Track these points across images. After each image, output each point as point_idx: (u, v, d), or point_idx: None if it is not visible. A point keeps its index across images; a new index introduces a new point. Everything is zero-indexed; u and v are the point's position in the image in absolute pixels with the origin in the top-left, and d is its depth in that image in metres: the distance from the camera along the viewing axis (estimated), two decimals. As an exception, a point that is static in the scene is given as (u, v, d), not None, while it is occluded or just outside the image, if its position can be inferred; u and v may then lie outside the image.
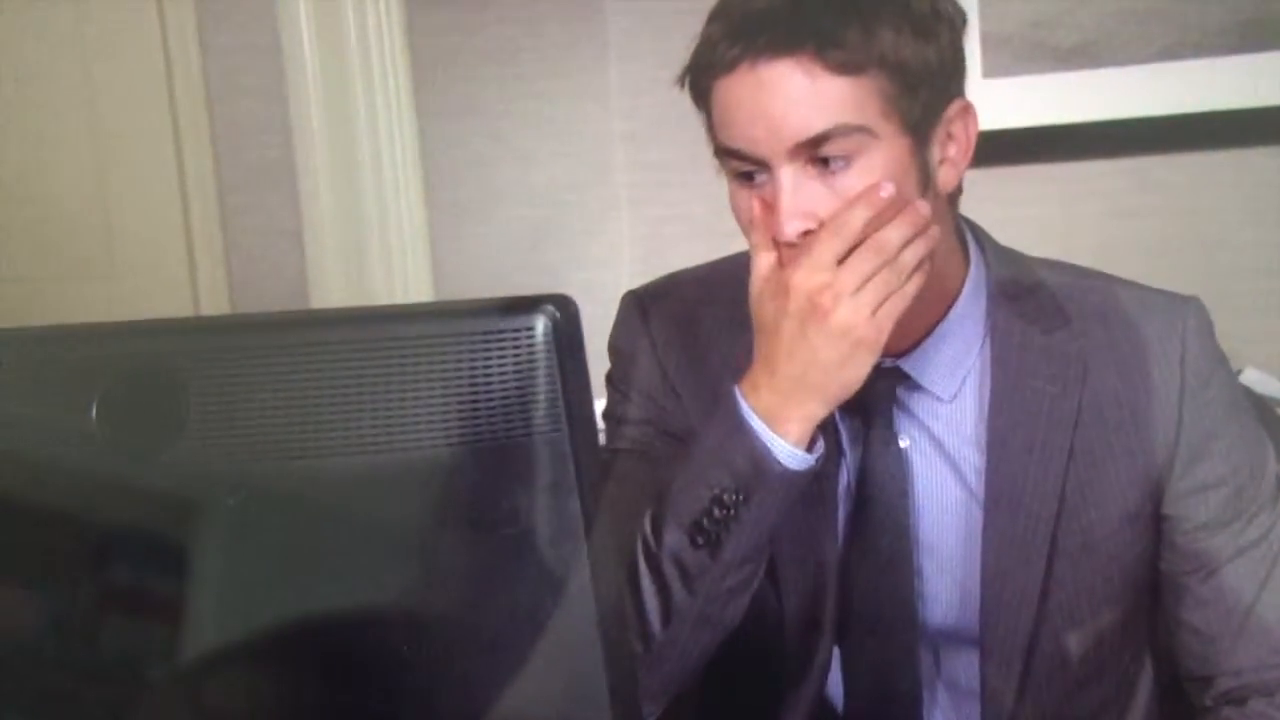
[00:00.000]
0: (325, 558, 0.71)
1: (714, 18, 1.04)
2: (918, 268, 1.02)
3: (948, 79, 1.05)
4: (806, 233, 1.01)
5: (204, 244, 2.59)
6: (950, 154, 1.07)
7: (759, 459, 1.01)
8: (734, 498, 1.01)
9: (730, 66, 1.02)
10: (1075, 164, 2.05)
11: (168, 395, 0.70)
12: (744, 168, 1.04)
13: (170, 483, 0.71)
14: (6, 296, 2.55)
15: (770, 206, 1.03)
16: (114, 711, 0.74)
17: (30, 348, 0.75)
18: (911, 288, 1.02)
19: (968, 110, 1.08)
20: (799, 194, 1.01)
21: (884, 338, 1.00)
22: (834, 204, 1.01)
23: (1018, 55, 1.96)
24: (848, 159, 1.01)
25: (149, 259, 2.62)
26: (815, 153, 1.01)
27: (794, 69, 1.00)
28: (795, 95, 1.00)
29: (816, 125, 1.00)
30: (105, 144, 2.60)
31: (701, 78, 1.05)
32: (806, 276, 1.00)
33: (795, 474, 1.02)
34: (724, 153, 1.05)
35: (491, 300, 0.68)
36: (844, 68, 0.99)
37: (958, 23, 1.06)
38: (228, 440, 0.70)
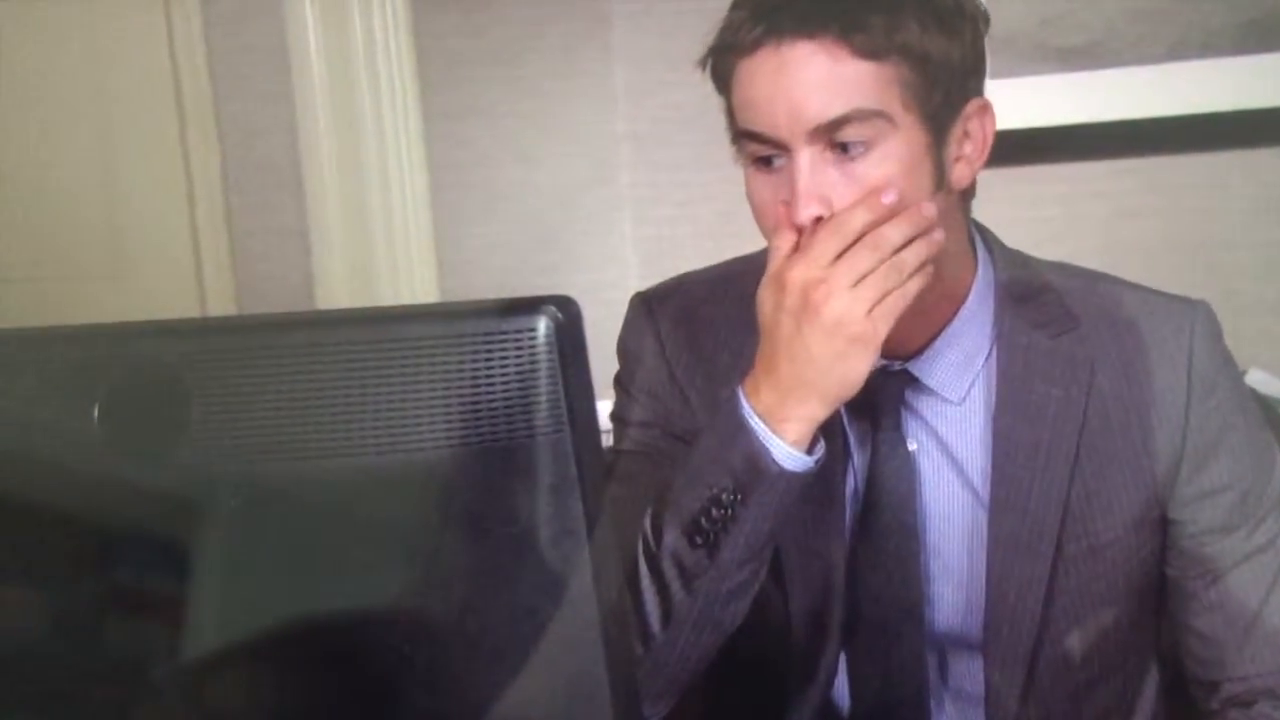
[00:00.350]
0: (328, 558, 0.71)
1: (738, 4, 1.04)
2: (919, 268, 1.01)
3: (968, 76, 1.05)
4: (819, 219, 1.01)
5: (210, 245, 2.59)
6: (966, 152, 1.07)
7: (756, 459, 1.01)
8: (731, 498, 1.01)
9: (753, 47, 1.02)
10: (1080, 164, 2.05)
11: (170, 396, 0.70)
12: (763, 151, 1.04)
13: (173, 484, 0.71)
14: (12, 296, 2.56)
15: (788, 201, 1.03)
16: (117, 712, 0.74)
17: (34, 348, 0.75)
18: (913, 287, 1.01)
19: (986, 109, 1.08)
20: (816, 177, 1.01)
21: (881, 335, 1.00)
22: (849, 192, 1.01)
23: (1023, 55, 1.97)
24: (866, 145, 1.01)
25: (155, 259, 2.62)
26: (834, 137, 1.01)
27: (817, 51, 1.00)
28: (817, 77, 1.00)
29: (837, 108, 1.00)
30: (112, 144, 2.60)
31: (723, 59, 1.05)
32: (802, 272, 0.99)
33: (793, 475, 1.01)
34: (743, 136, 1.05)
35: (493, 301, 0.68)
36: (867, 52, 0.99)
37: (980, 22, 1.07)
38: (230, 441, 0.71)
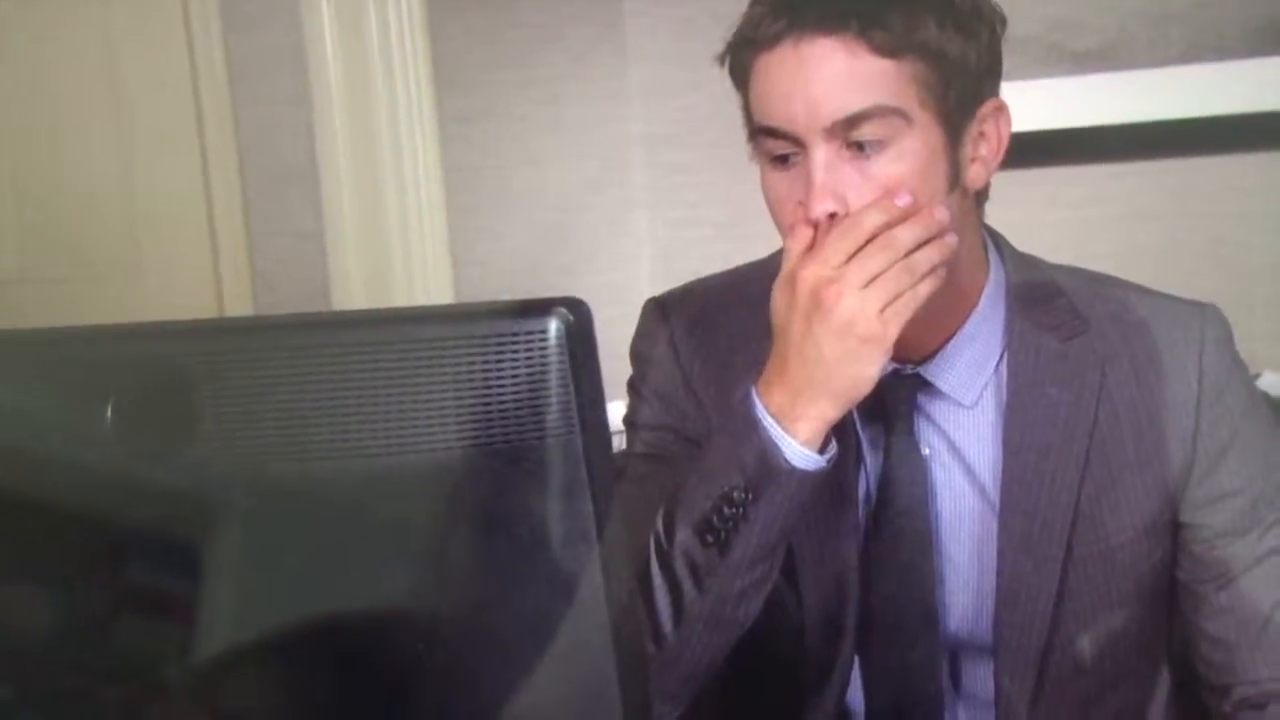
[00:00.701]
0: (339, 559, 0.71)
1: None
2: (931, 271, 1.01)
3: (984, 77, 1.06)
4: (833, 216, 1.02)
5: (228, 246, 2.60)
6: (982, 153, 1.08)
7: (768, 457, 1.01)
8: (743, 496, 1.01)
9: (772, 42, 1.02)
10: (1093, 167, 2.05)
11: (184, 397, 0.70)
12: (779, 149, 1.04)
13: (187, 484, 0.72)
14: (29, 296, 2.57)
15: (803, 200, 1.03)
16: (131, 712, 0.75)
17: (50, 348, 0.75)
18: (924, 289, 1.01)
19: (1001, 111, 1.08)
20: (831, 174, 1.02)
21: (892, 336, 1.00)
22: (864, 190, 1.01)
23: (1036, 58, 1.97)
24: (882, 144, 1.01)
25: (173, 260, 2.64)
26: (850, 135, 1.01)
27: (836, 47, 1.00)
28: (835, 73, 1.00)
29: (854, 104, 1.00)
30: (130, 146, 2.61)
31: (742, 54, 1.05)
32: (814, 271, 1.00)
33: (804, 474, 1.01)
34: (760, 132, 1.05)
35: (505, 303, 0.68)
36: (885, 49, 1.00)
37: (997, 25, 1.07)
38: (245, 441, 0.71)
